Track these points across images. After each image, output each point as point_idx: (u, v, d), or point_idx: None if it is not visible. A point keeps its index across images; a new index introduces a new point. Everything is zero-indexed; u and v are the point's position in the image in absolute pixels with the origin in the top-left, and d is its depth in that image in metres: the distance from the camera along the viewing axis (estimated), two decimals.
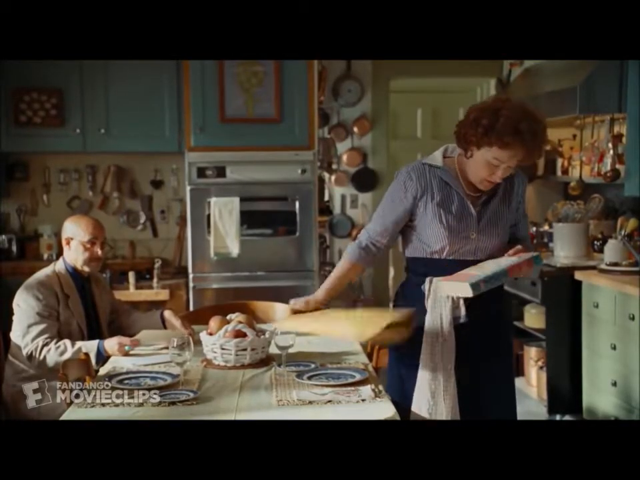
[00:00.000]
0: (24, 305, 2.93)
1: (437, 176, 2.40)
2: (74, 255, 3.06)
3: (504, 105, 2.27)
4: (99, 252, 3.06)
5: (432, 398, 2.35)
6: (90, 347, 2.82)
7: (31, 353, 2.86)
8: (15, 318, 2.95)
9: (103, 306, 3.18)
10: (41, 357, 2.84)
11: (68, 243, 3.06)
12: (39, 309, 2.91)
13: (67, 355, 2.79)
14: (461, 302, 2.35)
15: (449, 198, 2.39)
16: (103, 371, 2.56)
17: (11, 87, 4.47)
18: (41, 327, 2.89)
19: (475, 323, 2.37)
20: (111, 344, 2.79)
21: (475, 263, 2.37)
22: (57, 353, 2.82)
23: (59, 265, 3.08)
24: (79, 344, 2.85)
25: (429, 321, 2.38)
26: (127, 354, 2.76)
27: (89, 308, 3.10)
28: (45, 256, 4.65)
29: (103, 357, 2.79)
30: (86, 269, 3.07)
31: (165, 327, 3.11)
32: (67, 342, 2.85)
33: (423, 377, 2.38)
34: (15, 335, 2.94)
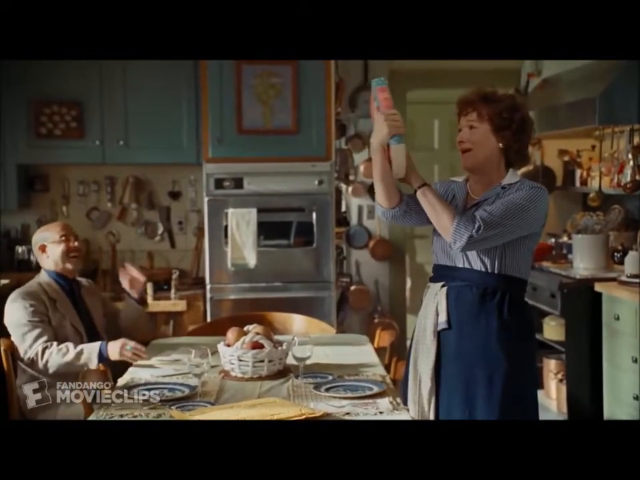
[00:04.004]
0: (12, 318, 2.95)
1: (453, 188, 2.54)
2: (52, 257, 3.07)
3: None
4: (76, 243, 3.09)
5: (419, 405, 2.37)
6: (92, 348, 2.85)
7: (32, 358, 2.87)
8: (10, 332, 2.96)
9: (95, 307, 3.19)
10: (44, 361, 2.85)
11: (44, 251, 3.08)
12: (29, 316, 2.92)
13: (69, 357, 2.82)
14: (442, 308, 2.36)
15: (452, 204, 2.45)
16: (121, 382, 2.57)
17: (32, 99, 4.51)
18: (35, 332, 2.90)
19: (460, 330, 2.35)
20: (114, 346, 2.83)
21: (465, 270, 2.36)
22: (59, 355, 2.84)
23: (41, 276, 3.10)
24: (80, 346, 2.87)
25: (416, 327, 2.44)
26: (131, 357, 2.79)
27: (81, 309, 3.11)
28: None
29: (104, 359, 2.82)
30: (68, 266, 3.07)
31: (139, 303, 3.18)
32: (70, 344, 2.87)
33: (410, 385, 2.43)
34: (17, 347, 2.95)
